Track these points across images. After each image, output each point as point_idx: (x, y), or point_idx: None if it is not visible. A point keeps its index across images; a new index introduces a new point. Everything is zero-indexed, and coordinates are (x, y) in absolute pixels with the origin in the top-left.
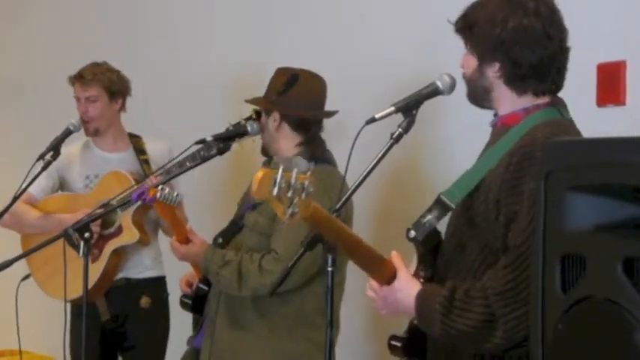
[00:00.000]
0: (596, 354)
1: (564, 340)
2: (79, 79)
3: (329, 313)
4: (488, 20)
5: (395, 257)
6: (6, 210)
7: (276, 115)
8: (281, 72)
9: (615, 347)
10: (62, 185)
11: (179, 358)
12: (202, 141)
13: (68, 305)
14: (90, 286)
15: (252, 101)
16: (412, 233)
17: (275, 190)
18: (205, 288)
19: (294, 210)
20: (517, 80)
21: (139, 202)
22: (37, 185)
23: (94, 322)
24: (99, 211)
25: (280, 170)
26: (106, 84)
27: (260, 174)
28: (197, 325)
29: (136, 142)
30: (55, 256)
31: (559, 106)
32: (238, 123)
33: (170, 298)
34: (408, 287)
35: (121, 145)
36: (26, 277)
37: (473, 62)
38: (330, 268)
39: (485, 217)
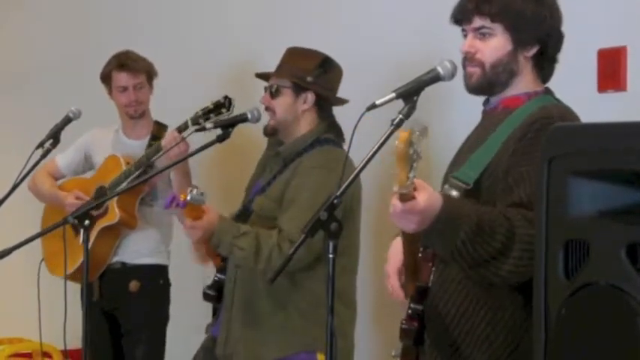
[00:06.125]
0: (599, 339)
1: (567, 326)
2: (124, 68)
3: (329, 300)
4: (532, 3)
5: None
6: (5, 198)
7: (310, 96)
8: (306, 53)
9: (618, 332)
10: (90, 164)
11: (198, 345)
12: (202, 128)
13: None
14: (77, 265)
15: (292, 78)
16: None
17: (411, 151)
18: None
19: (415, 174)
20: (545, 63)
21: (133, 188)
22: (63, 158)
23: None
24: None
25: (417, 133)
26: (147, 70)
27: (406, 134)
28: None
29: (157, 130)
30: (53, 235)
31: (552, 94)
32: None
33: (187, 288)
34: (434, 200)
35: (143, 132)
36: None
37: (501, 46)
38: (331, 255)
39: (494, 190)
